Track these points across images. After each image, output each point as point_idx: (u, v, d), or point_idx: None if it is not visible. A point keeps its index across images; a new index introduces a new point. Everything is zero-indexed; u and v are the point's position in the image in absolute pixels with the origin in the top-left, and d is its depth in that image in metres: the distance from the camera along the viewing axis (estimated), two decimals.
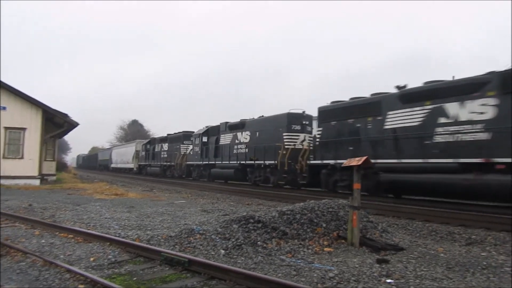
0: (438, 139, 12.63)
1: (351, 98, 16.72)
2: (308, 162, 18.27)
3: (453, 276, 5.00)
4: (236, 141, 24.39)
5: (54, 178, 27.19)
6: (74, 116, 24.37)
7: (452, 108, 12.34)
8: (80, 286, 4.59)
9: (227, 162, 24.86)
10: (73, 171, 46.03)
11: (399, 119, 14.03)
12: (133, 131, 77.11)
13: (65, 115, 23.54)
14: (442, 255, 6.27)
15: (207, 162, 27.92)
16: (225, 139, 25.81)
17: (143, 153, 42.63)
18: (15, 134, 21.78)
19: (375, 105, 14.98)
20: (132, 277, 4.96)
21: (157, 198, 16.25)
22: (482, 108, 11.57)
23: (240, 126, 24.47)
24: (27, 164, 21.70)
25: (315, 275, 4.98)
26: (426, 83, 13.64)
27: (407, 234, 8.60)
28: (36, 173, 21.82)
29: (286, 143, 20.05)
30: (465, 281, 4.81)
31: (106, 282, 4.56)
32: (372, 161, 13.21)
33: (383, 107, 14.64)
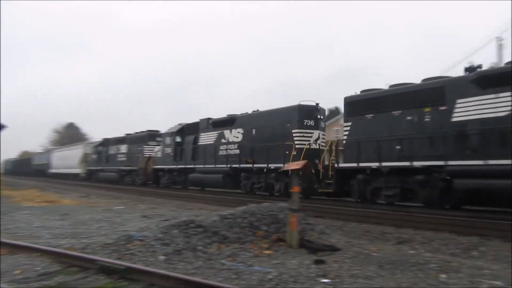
0: None
1: (392, 86, 13.48)
2: (332, 165, 14.47)
3: (384, 274, 5.28)
4: (223, 141, 20.12)
5: None
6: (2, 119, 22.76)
7: None
8: None
9: (212, 166, 20.29)
10: None
11: (476, 108, 10.82)
12: (70, 134, 73.53)
13: None
14: (375, 254, 6.59)
15: (182, 166, 23.28)
16: (207, 138, 21.49)
17: (94, 156, 37.08)
18: None
19: (436, 92, 11.79)
20: None
21: (95, 204, 15.62)
22: None
23: (228, 122, 20.21)
24: None
25: (254, 277, 5.05)
26: (508, 63, 10.88)
27: (343, 235, 8.92)
28: None
29: (297, 142, 16.06)
30: (394, 278, 5.10)
31: None
32: (437, 163, 11.25)
33: (449, 94, 11.44)
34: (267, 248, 6.70)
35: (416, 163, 11.85)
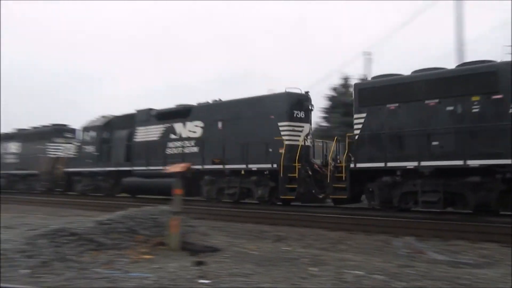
0: None
1: (414, 71, 11.58)
2: (344, 165, 11.87)
3: (261, 271, 5.51)
4: (173, 136, 16.66)
5: None
6: None
7: None
8: None
9: (159, 168, 15.44)
10: None
11: None
12: None
13: None
14: (253, 252, 6.85)
15: (113, 169, 18.70)
16: (149, 133, 17.64)
17: None
18: None
19: (486, 78, 10.08)
20: None
21: None
22: None
23: (180, 114, 16.73)
24: None
25: (131, 284, 4.87)
26: None
27: (225, 236, 9.10)
28: None
29: (286, 138, 13.22)
30: (270, 274, 5.36)
31: None
32: (501, 161, 9.30)
33: (503, 79, 9.77)
34: (147, 253, 6.52)
35: (472, 162, 9.81)
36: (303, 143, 13.32)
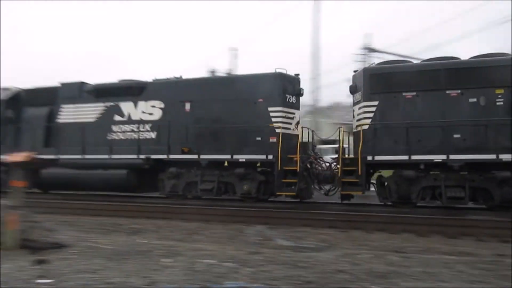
0: None
1: (425, 60, 11.24)
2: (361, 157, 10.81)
3: (111, 265, 5.29)
4: (119, 118, 13.80)
5: None
6: None
7: None
8: None
9: (104, 157, 13.46)
10: None
11: None
12: None
13: None
14: (107, 247, 6.54)
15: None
16: (81, 113, 14.31)
17: None
18: None
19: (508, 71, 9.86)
20: None
21: None
22: None
23: (131, 91, 13.82)
24: None
25: None
26: None
27: (75, 230, 8.49)
28: None
29: (279, 126, 11.76)
30: (120, 268, 5.18)
31: None
32: None
33: None
34: None
35: (504, 156, 9.70)
36: (295, 132, 12.30)
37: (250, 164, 12.13)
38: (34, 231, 6.86)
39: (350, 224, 9.07)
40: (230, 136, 12.09)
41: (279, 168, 11.47)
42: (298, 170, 11.41)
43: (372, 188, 12.05)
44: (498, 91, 9.96)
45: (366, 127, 10.95)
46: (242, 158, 12.01)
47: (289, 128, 12.12)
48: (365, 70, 11.73)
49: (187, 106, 12.90)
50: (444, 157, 10.14)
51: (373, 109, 10.98)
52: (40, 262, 5.31)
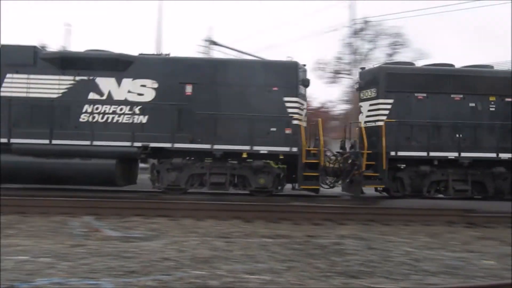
0: None
1: (429, 65, 13.04)
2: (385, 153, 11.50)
3: None
4: (95, 97, 11.51)
5: None
6: None
7: None
8: None
9: (84, 143, 11.20)
10: None
11: None
12: None
13: None
14: None
15: None
16: (36, 86, 11.45)
17: None
18: None
19: (502, 82, 12.08)
20: None
21: None
22: None
23: (112, 65, 11.59)
24: None
25: None
26: None
27: None
28: None
29: (296, 117, 11.49)
30: None
31: None
32: None
33: None
34: None
35: (503, 155, 11.69)
36: (305, 124, 12.04)
37: (266, 156, 11.55)
38: None
39: (182, 212, 9.20)
40: (244, 126, 11.39)
41: (302, 161, 11.39)
42: (321, 163, 11.54)
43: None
44: (491, 98, 11.92)
45: (381, 123, 11.72)
46: (264, 149, 11.39)
47: (301, 120, 11.82)
48: (382, 68, 12.60)
49: (188, 88, 11.57)
50: (456, 154, 11.64)
51: (389, 106, 11.85)
52: None
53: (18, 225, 7.84)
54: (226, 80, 11.61)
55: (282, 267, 5.04)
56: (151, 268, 4.79)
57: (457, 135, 11.77)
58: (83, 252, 5.48)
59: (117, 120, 11.47)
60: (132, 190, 12.51)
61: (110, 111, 11.47)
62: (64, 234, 7.28)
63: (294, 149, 11.37)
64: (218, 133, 11.37)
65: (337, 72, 28.99)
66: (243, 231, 7.77)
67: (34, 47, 11.90)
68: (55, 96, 11.46)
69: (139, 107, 11.45)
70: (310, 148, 11.78)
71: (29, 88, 11.51)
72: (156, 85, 11.56)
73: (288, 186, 12.39)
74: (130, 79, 11.56)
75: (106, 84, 11.55)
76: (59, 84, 11.53)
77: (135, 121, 11.41)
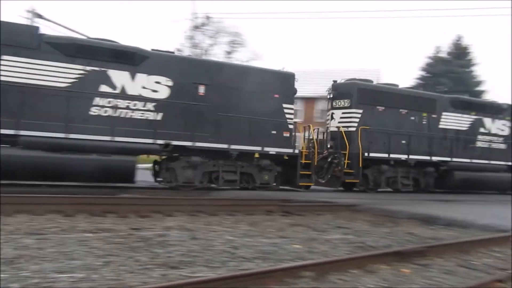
0: None
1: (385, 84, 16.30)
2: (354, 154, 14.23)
3: None
4: (108, 90, 10.87)
5: None
6: None
7: None
8: None
9: (105, 139, 10.61)
10: None
11: None
12: None
13: None
14: None
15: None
16: (39, 72, 10.30)
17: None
18: None
19: (428, 102, 16.11)
20: None
21: None
22: None
23: (126, 58, 11.12)
24: None
25: None
26: None
27: None
28: None
29: (291, 122, 13.16)
30: None
31: None
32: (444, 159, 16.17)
33: (438, 106, 16.30)
34: None
35: (435, 158, 15.62)
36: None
37: (271, 156, 12.76)
38: None
39: None
40: (253, 128, 12.35)
41: (301, 161, 13.14)
42: (316, 163, 13.60)
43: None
44: (424, 114, 15.47)
45: (354, 129, 14.32)
46: (273, 150, 12.67)
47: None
48: (354, 84, 14.97)
49: (201, 89, 11.99)
50: (406, 156, 14.96)
51: (359, 115, 14.47)
52: None
53: None
54: (234, 84, 12.32)
55: (99, 263, 4.74)
56: None
57: (403, 141, 14.97)
58: None
59: (131, 116, 11.19)
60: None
61: (124, 106, 11.14)
62: None
63: (296, 151, 13.22)
64: (233, 134, 12.15)
65: None
66: (60, 226, 7.10)
67: (36, 28, 11.08)
68: (62, 85, 10.63)
69: (153, 103, 11.39)
70: (303, 150, 13.57)
71: (29, 73, 10.34)
72: (170, 83, 11.68)
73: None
74: (145, 75, 11.43)
75: (119, 77, 11.16)
76: (66, 73, 10.70)
77: (153, 118, 11.39)
